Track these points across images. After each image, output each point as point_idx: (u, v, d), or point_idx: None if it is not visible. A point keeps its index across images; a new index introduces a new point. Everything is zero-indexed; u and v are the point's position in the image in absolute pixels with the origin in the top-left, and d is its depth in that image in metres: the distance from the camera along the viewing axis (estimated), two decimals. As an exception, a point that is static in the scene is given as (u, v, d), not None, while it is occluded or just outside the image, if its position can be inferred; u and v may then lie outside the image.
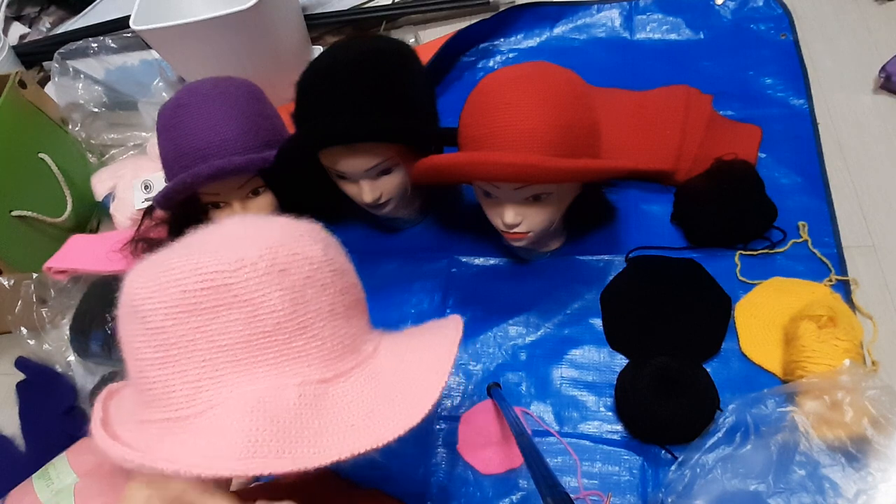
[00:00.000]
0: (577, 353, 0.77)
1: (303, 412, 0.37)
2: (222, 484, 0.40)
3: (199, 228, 0.43)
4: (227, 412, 0.36)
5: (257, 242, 0.39)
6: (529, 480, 0.70)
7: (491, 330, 0.81)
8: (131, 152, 1.15)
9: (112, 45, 1.19)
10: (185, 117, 0.74)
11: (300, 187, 0.81)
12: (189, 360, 0.37)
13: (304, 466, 0.34)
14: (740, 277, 0.78)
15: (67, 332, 0.87)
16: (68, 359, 0.88)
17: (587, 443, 0.71)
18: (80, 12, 1.41)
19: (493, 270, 0.86)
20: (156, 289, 0.37)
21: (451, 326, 0.47)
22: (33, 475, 0.75)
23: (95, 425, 0.39)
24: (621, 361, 0.75)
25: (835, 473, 0.60)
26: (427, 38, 1.18)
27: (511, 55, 1.12)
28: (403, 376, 0.41)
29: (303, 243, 0.40)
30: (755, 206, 0.79)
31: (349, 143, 0.71)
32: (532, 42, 1.12)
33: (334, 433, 0.37)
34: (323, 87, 0.70)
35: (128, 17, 0.98)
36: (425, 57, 0.94)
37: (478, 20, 1.11)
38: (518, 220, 0.69)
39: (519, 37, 1.13)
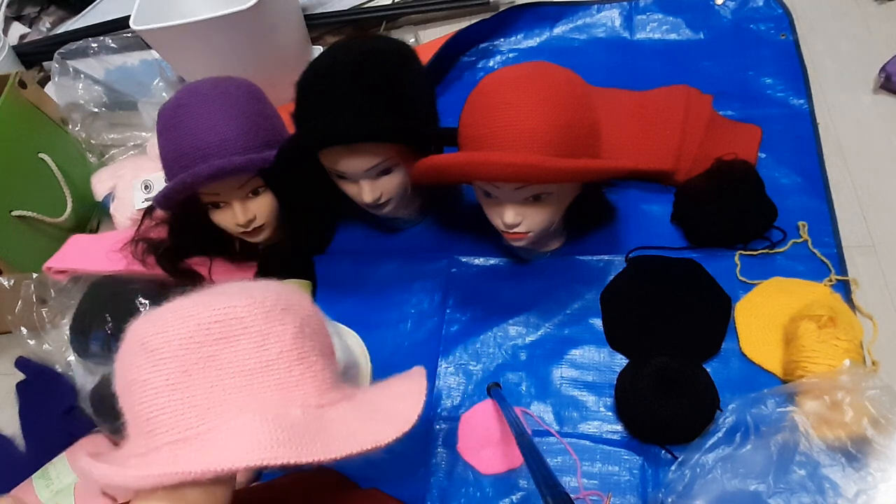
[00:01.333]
0: (577, 353, 0.77)
1: (309, 424, 0.40)
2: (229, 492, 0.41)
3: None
4: (240, 424, 0.39)
5: (259, 290, 0.44)
6: (529, 480, 0.70)
7: (491, 330, 0.81)
8: (131, 152, 1.14)
9: (112, 45, 1.19)
10: (185, 117, 0.74)
11: (300, 187, 0.81)
12: (199, 385, 0.39)
13: (322, 458, 0.38)
14: (740, 277, 0.78)
15: (67, 332, 0.87)
16: (68, 359, 0.88)
17: (587, 443, 0.71)
18: (80, 12, 1.41)
19: (493, 270, 0.86)
20: (169, 325, 0.40)
21: (416, 371, 0.53)
22: (33, 475, 0.75)
23: (95, 464, 0.39)
24: (621, 361, 0.76)
25: (835, 473, 0.60)
26: (427, 38, 1.18)
27: (511, 55, 1.12)
28: (387, 400, 0.47)
29: (298, 295, 0.46)
30: (755, 206, 0.79)
31: (349, 143, 0.71)
32: (532, 42, 1.12)
33: (340, 436, 0.41)
34: (323, 87, 0.70)
35: (128, 17, 0.98)
36: (425, 57, 0.94)
37: (478, 20, 1.11)
38: (518, 220, 0.69)
39: (519, 37, 1.13)
